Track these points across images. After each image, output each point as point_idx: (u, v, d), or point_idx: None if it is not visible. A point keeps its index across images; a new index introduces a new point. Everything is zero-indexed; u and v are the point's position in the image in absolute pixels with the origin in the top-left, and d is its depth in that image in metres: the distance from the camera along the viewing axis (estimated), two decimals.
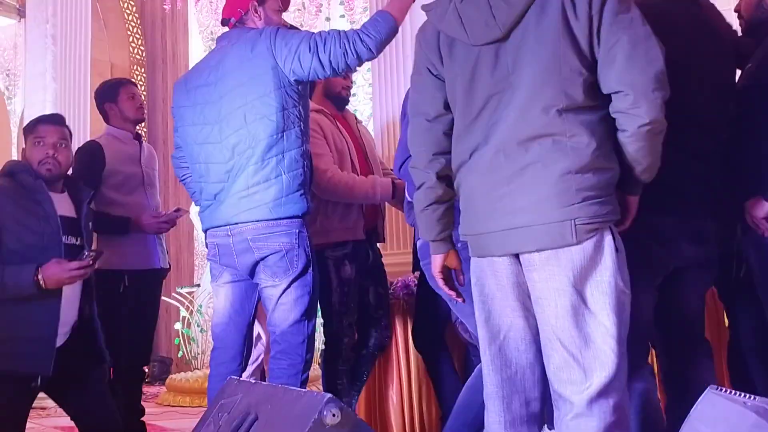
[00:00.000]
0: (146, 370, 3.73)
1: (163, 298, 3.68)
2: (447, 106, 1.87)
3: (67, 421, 2.87)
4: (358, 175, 3.06)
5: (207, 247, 2.70)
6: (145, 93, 7.10)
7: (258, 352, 3.36)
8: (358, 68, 2.60)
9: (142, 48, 7.46)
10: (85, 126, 5.43)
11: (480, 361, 1.94)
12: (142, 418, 3.40)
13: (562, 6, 1.70)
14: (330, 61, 2.40)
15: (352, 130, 3.24)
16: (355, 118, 3.41)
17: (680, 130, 1.85)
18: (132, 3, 7.40)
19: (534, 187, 1.69)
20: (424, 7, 1.91)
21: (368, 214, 3.15)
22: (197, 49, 7.36)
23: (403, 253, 3.90)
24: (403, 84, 4.32)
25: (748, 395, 1.31)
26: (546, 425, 2.30)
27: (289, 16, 2.81)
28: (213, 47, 2.73)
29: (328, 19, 6.45)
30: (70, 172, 2.84)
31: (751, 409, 1.26)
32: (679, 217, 2.00)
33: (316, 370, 3.56)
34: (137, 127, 3.55)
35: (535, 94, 1.70)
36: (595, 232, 1.68)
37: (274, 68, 2.44)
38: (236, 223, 2.50)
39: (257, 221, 2.46)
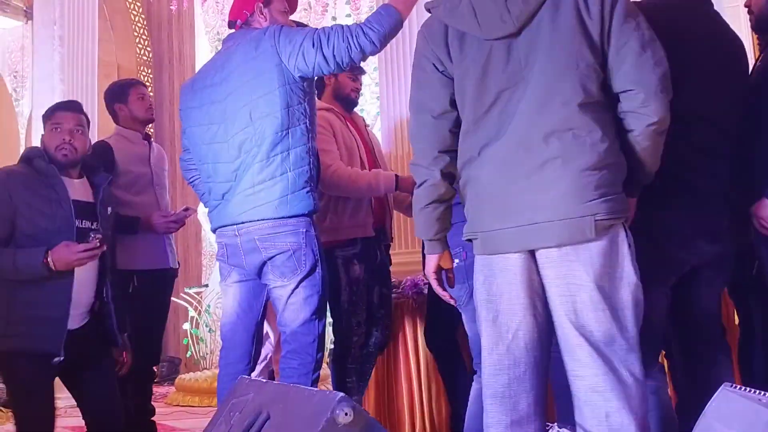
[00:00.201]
0: (156, 370, 3.73)
1: (171, 298, 3.69)
2: (453, 104, 1.85)
3: (77, 421, 2.89)
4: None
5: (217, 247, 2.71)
6: (151, 94, 7.09)
7: (266, 351, 3.36)
8: (362, 62, 2.60)
9: (148, 49, 7.48)
10: (93, 127, 5.42)
11: None
12: (152, 418, 3.41)
13: (576, 5, 1.73)
14: (334, 56, 2.40)
15: (361, 131, 3.28)
16: (363, 121, 3.45)
17: (694, 127, 1.85)
18: (138, 4, 7.41)
19: (554, 183, 1.69)
20: (428, 5, 1.90)
21: (376, 212, 3.17)
22: (204, 49, 7.37)
23: (410, 252, 3.90)
24: (409, 81, 4.31)
25: (762, 392, 1.31)
26: (556, 423, 2.30)
27: (295, 16, 2.81)
28: (219, 47, 2.75)
29: (334, 18, 6.47)
30: None
31: (766, 407, 1.26)
32: (694, 214, 2.00)
33: (324, 369, 3.56)
34: (146, 128, 3.55)
35: (553, 88, 1.71)
36: (612, 228, 1.71)
37: (279, 66, 2.44)
38: (243, 222, 2.50)
39: (263, 220, 2.46)
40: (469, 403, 2.33)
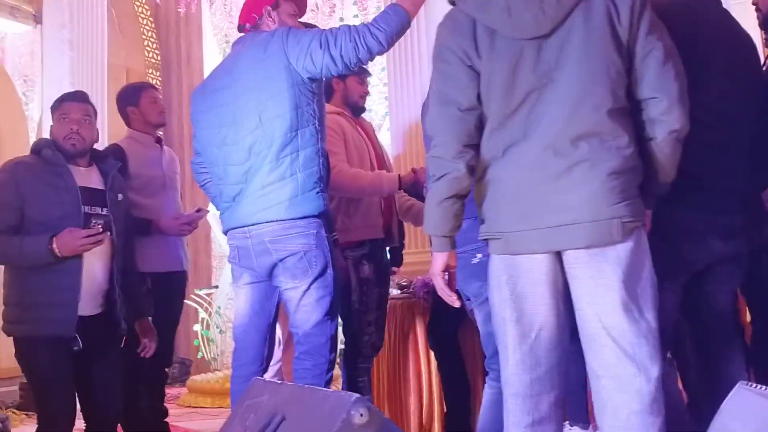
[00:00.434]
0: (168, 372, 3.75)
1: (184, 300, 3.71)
2: (478, 99, 1.82)
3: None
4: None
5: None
6: (160, 96, 7.11)
7: (279, 353, 3.37)
8: (369, 62, 2.60)
9: (156, 51, 7.49)
10: (102, 129, 5.40)
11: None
12: (165, 419, 3.42)
13: (608, 10, 1.74)
14: (341, 56, 2.40)
15: (370, 135, 3.33)
16: (371, 126, 3.51)
17: (708, 124, 1.85)
18: (146, 7, 7.42)
19: (583, 185, 1.71)
20: None
21: (385, 215, 3.20)
22: (212, 51, 7.38)
23: (421, 252, 3.91)
24: (419, 83, 4.32)
25: None
26: (567, 422, 2.30)
27: (302, 17, 2.82)
28: (227, 49, 2.78)
29: (341, 19, 6.48)
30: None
31: None
32: (709, 212, 1.99)
33: (335, 369, 3.58)
34: (157, 131, 3.56)
35: (585, 92, 1.72)
36: (636, 231, 1.74)
37: (287, 67, 2.45)
38: (253, 224, 2.50)
39: (274, 221, 2.47)
40: (483, 408, 2.32)
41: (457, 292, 2.00)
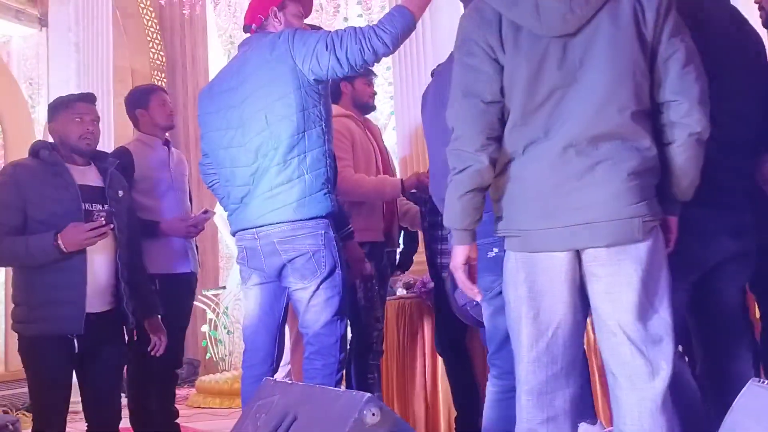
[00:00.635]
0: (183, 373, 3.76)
1: (193, 302, 3.72)
2: (502, 92, 1.80)
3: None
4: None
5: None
6: (169, 99, 7.12)
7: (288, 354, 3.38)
8: (375, 64, 2.60)
9: (162, 53, 7.50)
10: (109, 131, 5.47)
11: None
12: (176, 420, 3.43)
13: (634, 10, 1.74)
14: (347, 58, 2.40)
15: (377, 138, 3.37)
16: (378, 129, 3.55)
17: (720, 122, 1.84)
18: (151, 9, 7.43)
19: (605, 184, 1.71)
20: None
21: (386, 219, 3.24)
22: (217, 52, 7.40)
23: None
24: (424, 82, 4.31)
25: None
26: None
27: (307, 18, 2.83)
28: (232, 51, 2.80)
29: (345, 19, 6.48)
30: None
31: None
32: (718, 210, 1.99)
33: None
34: (166, 134, 3.55)
35: (610, 93, 1.72)
36: (654, 230, 1.74)
37: (293, 69, 2.45)
38: (262, 226, 2.51)
39: (282, 223, 2.48)
40: (486, 407, 2.31)
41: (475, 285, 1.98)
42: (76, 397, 2.80)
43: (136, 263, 2.96)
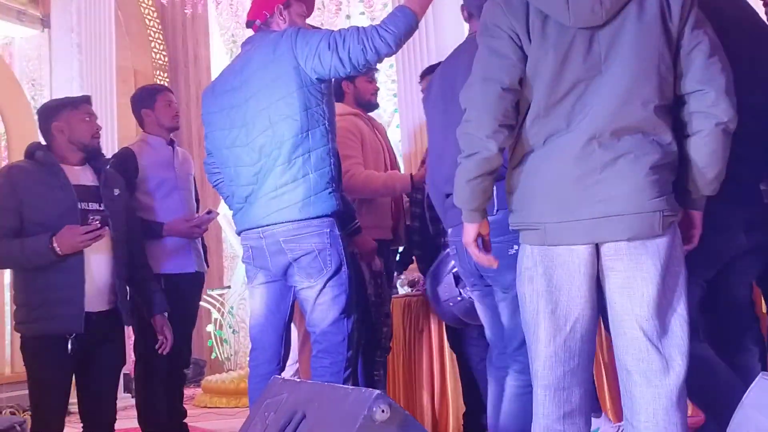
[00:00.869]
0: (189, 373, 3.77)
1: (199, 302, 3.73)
2: (520, 82, 1.79)
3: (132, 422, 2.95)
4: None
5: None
6: (175, 100, 7.12)
7: (296, 353, 3.38)
8: (378, 64, 2.60)
9: (164, 53, 7.51)
10: (112, 132, 5.48)
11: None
12: (184, 420, 3.44)
13: (660, 5, 1.74)
14: (349, 58, 2.40)
15: (383, 135, 3.39)
16: (383, 127, 3.57)
17: (740, 116, 1.83)
18: (153, 9, 7.44)
19: (628, 177, 1.70)
20: None
21: (394, 216, 3.25)
22: (219, 52, 7.39)
23: None
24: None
25: None
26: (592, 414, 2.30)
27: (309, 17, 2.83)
28: (234, 49, 2.80)
29: (348, 17, 6.46)
30: None
31: None
32: (736, 203, 1.98)
33: None
34: (170, 134, 3.55)
35: (634, 87, 1.72)
36: (673, 225, 1.75)
37: (296, 68, 2.45)
38: (267, 225, 2.51)
39: (287, 222, 2.48)
40: (506, 401, 2.30)
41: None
42: (72, 398, 2.82)
43: (136, 261, 2.98)
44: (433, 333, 3.59)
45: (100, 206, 2.80)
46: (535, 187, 1.79)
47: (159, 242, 3.28)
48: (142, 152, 3.36)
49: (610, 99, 1.72)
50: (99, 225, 2.68)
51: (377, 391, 1.55)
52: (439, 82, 2.43)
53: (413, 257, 3.64)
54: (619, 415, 3.08)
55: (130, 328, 3.19)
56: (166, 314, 3.01)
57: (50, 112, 2.91)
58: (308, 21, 2.80)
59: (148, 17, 7.42)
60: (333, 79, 2.57)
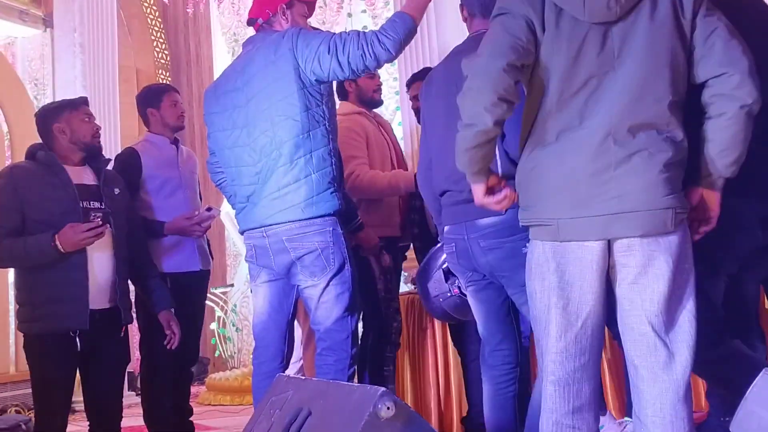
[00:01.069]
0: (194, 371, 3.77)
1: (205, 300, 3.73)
2: (525, 67, 1.79)
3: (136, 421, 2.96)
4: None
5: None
6: (181, 99, 7.13)
7: (299, 351, 3.39)
8: (377, 69, 2.62)
9: (166, 52, 7.52)
10: (115, 131, 5.48)
11: None
12: (190, 418, 3.44)
13: (673, 2, 1.75)
14: (348, 63, 2.40)
15: (389, 133, 3.40)
16: (389, 123, 3.59)
17: (758, 112, 1.83)
18: (155, 8, 7.45)
19: (641, 174, 1.71)
20: None
21: (402, 213, 3.26)
22: (221, 51, 7.40)
23: None
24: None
25: None
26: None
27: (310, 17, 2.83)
28: (236, 48, 2.80)
29: (349, 15, 6.44)
30: None
31: None
32: (757, 201, 1.98)
33: None
34: (175, 134, 3.54)
35: (648, 83, 1.73)
36: (683, 223, 1.76)
37: (296, 69, 2.46)
38: (270, 225, 2.52)
39: (291, 222, 2.49)
40: (533, 400, 2.30)
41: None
42: (78, 396, 2.83)
43: (139, 259, 2.99)
44: (437, 329, 3.59)
45: (101, 204, 2.82)
46: (547, 183, 1.79)
47: (163, 241, 3.28)
48: (145, 151, 3.36)
49: (624, 95, 1.73)
50: (100, 222, 2.70)
51: (382, 388, 1.56)
52: (442, 81, 2.44)
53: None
54: (621, 412, 3.08)
55: (136, 326, 3.20)
56: (172, 310, 3.02)
57: (50, 114, 2.93)
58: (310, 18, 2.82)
59: (150, 17, 7.43)
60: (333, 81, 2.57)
